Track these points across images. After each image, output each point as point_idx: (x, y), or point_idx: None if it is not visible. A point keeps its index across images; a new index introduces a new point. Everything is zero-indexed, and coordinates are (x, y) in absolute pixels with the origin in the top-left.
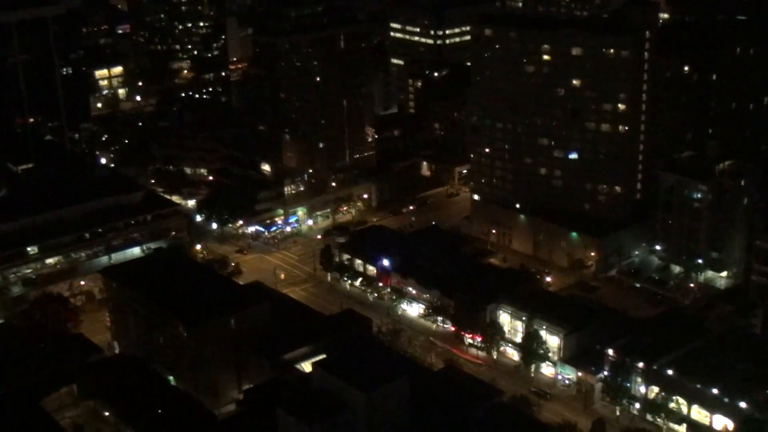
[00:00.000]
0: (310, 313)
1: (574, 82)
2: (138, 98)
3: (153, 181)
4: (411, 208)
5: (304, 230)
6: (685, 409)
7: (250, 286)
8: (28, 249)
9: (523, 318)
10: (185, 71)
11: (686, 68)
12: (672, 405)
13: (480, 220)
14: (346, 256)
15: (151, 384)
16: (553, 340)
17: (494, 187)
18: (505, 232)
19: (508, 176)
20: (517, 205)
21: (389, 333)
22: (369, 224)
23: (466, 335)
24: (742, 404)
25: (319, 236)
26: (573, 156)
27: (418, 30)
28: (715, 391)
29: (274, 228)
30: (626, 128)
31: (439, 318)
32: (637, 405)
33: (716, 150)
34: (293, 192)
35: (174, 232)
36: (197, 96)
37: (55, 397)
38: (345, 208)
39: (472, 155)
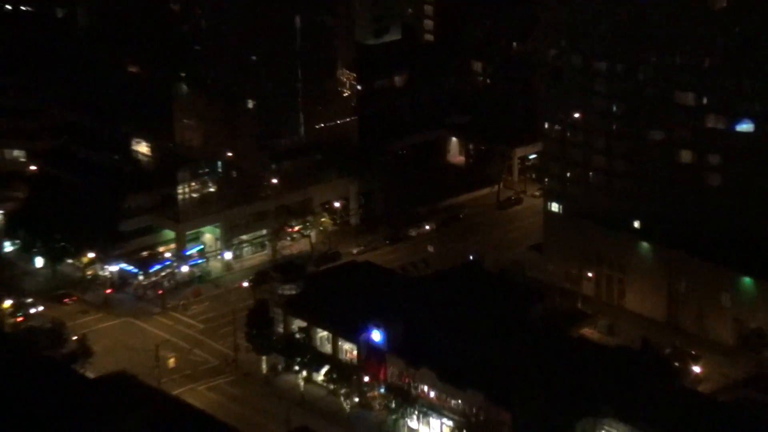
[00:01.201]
0: None
1: None
2: None
3: None
4: (427, 228)
5: (217, 272)
6: None
7: (107, 382)
8: None
9: None
10: None
11: None
12: None
13: (562, 253)
14: (298, 324)
15: None
16: None
17: (590, 189)
18: (613, 275)
19: (617, 169)
20: (636, 225)
21: None
22: (343, 260)
23: None
24: None
25: (245, 283)
26: (745, 128)
27: None
28: None
29: (158, 267)
30: None
31: None
32: None
33: None
34: (195, 197)
35: None
36: (8, 7)
37: None
38: (297, 230)
39: (546, 126)
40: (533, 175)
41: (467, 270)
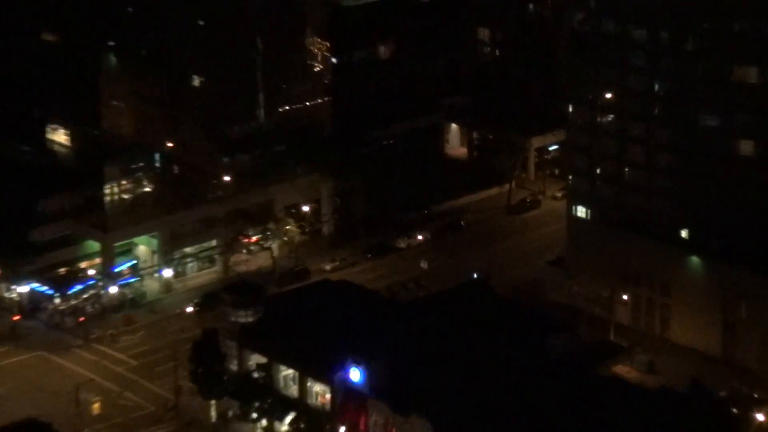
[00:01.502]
0: None
1: None
2: None
3: None
4: (420, 238)
5: (154, 294)
6: None
7: None
8: None
9: None
10: None
11: None
12: None
13: (589, 270)
14: (256, 360)
15: None
16: None
17: (626, 189)
18: (654, 298)
19: (660, 164)
20: (684, 235)
21: None
22: (314, 279)
23: None
24: None
25: (189, 308)
26: None
27: None
28: None
29: (79, 288)
30: None
31: None
32: None
33: None
34: (126, 199)
35: None
36: None
37: None
38: (255, 240)
39: (571, 110)
40: (554, 172)
41: (470, 292)
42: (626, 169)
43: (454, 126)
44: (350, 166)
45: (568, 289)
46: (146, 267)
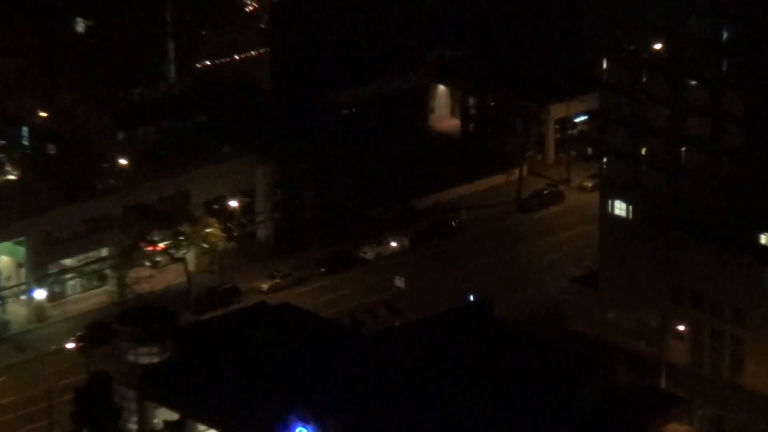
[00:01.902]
0: None
1: None
2: None
3: None
4: (394, 245)
5: (20, 323)
6: None
7: None
8: None
9: None
10: None
11: None
12: None
13: (631, 289)
14: (163, 417)
15: None
16: None
17: (682, 177)
18: (722, 329)
19: (731, 141)
20: (765, 241)
21: None
22: (245, 302)
23: None
24: None
25: (69, 344)
26: None
27: None
28: None
29: None
30: None
31: None
32: None
33: None
34: None
35: None
36: None
37: None
38: (162, 248)
39: (606, 66)
40: (582, 152)
41: (465, 320)
42: (683, 149)
43: (442, 89)
44: (297, 144)
45: (600, 316)
46: (9, 286)
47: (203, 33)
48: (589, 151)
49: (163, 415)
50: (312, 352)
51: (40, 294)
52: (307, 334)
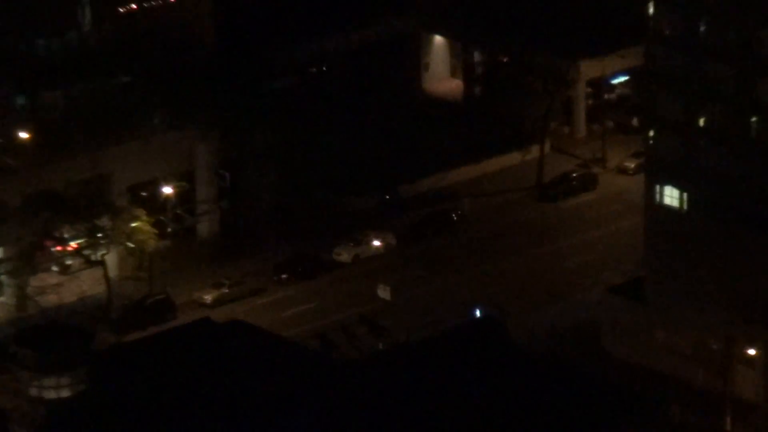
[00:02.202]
0: None
1: None
2: None
3: None
4: (377, 244)
5: None
6: None
7: None
8: None
9: None
10: None
11: None
12: None
13: (686, 301)
14: None
15: None
16: None
17: (751, 154)
18: None
19: None
20: None
21: None
22: (182, 319)
23: None
24: None
25: None
26: None
27: None
28: None
29: None
30: None
31: None
32: None
33: None
34: None
35: None
36: None
37: None
38: (73, 248)
39: (653, 11)
40: (621, 123)
41: (470, 342)
42: (753, 120)
43: (438, 41)
44: (250, 113)
45: (647, 337)
46: None
47: None
48: (633, 121)
49: None
50: (269, 384)
51: None
52: (262, 360)
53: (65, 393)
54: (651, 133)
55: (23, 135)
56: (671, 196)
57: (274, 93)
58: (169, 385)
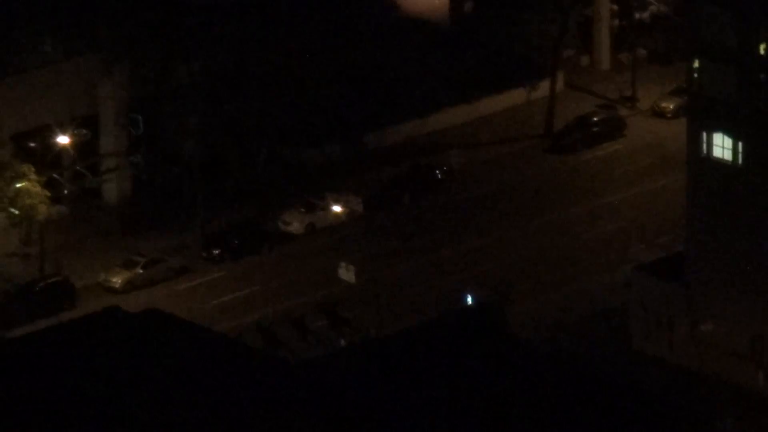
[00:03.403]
0: None
1: None
2: None
3: None
4: (337, 209)
5: None
6: None
7: None
8: None
9: None
10: None
11: None
12: None
13: (737, 285)
14: None
15: None
16: None
17: None
18: None
19: None
20: None
21: None
22: (84, 307)
23: None
24: None
25: None
26: None
27: None
28: None
29: None
30: None
31: None
32: None
33: None
34: None
35: None
36: None
37: None
38: None
39: None
40: (656, 51)
41: (460, 337)
42: None
43: None
44: (169, 36)
45: (689, 329)
46: None
47: None
48: (672, 48)
49: None
50: (195, 393)
51: None
52: (187, 361)
53: None
54: (696, 64)
55: None
56: (722, 146)
57: (201, 8)
58: (63, 396)
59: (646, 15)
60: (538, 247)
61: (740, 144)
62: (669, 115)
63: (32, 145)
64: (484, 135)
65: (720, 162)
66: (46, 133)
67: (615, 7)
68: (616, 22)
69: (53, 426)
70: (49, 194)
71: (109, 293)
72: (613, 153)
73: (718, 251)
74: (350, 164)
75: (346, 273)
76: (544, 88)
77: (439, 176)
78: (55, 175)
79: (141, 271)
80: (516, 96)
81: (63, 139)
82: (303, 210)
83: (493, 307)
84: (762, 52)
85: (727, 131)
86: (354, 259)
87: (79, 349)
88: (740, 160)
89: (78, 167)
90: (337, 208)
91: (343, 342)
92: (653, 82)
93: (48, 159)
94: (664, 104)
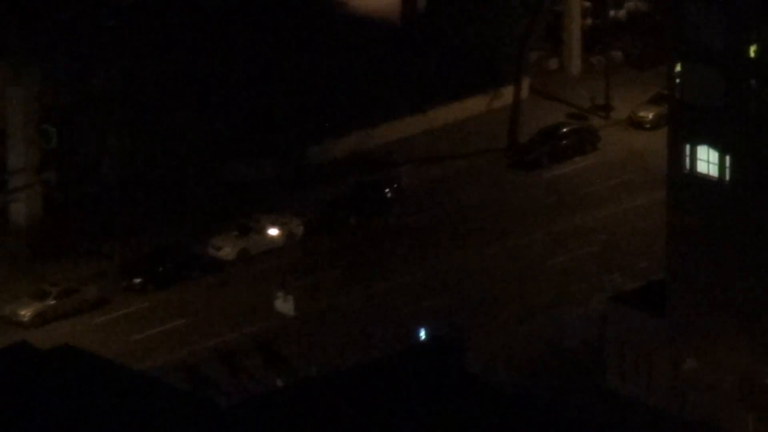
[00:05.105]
0: None
1: None
2: None
3: None
4: (273, 233)
5: None
6: None
7: None
8: None
9: None
10: None
11: None
12: None
13: (722, 319)
14: None
15: None
16: None
17: None
18: None
19: None
20: None
21: None
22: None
23: None
24: None
25: None
26: None
27: None
28: None
29: None
30: None
31: None
32: None
33: None
34: None
35: None
36: None
37: None
38: None
39: None
40: (633, 54)
41: (412, 377)
42: None
43: None
44: (86, 39)
45: (668, 367)
46: None
47: None
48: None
49: None
50: None
51: None
52: (103, 402)
53: None
54: (679, 68)
55: None
56: (707, 160)
57: (124, 9)
58: None
59: (621, 13)
60: (500, 274)
61: (727, 158)
62: (647, 126)
63: None
64: (440, 148)
65: (705, 178)
66: None
67: (587, 3)
68: (589, 20)
69: None
70: None
71: (16, 327)
72: (584, 168)
73: (702, 279)
74: (289, 182)
75: (284, 304)
76: (507, 95)
77: (389, 195)
78: None
79: (53, 302)
80: (476, 104)
81: None
82: (236, 233)
83: (451, 342)
84: (752, 54)
85: (712, 144)
86: (293, 289)
87: None
88: (727, 176)
89: None
90: (273, 232)
91: (279, 382)
92: (630, 88)
93: None
94: (642, 113)
